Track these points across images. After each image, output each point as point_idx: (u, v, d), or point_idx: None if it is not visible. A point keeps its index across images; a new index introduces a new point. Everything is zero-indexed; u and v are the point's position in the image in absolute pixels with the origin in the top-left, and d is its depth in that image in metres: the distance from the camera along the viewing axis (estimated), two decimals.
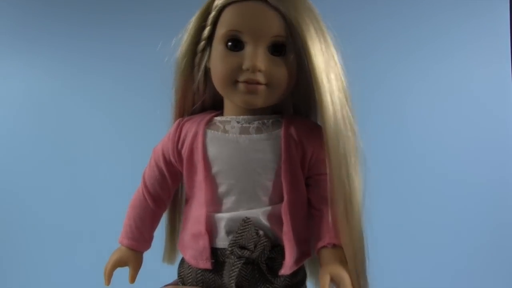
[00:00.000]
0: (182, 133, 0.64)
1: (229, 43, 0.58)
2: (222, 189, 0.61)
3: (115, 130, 1.50)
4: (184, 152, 0.63)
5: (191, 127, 0.63)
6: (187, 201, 0.66)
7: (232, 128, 0.62)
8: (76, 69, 1.56)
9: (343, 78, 0.60)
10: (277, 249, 0.59)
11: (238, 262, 0.58)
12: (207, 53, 0.62)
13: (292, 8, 0.57)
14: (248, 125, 0.61)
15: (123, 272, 0.67)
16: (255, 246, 0.58)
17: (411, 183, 1.46)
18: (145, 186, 0.67)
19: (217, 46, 0.60)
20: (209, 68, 0.62)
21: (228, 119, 0.63)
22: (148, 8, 1.53)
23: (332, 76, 0.58)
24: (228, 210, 0.60)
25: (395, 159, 1.46)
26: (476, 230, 1.46)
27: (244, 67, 0.57)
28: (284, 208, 0.59)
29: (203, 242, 0.60)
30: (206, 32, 0.61)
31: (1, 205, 1.54)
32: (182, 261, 0.65)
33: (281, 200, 0.60)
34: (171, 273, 0.68)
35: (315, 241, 0.61)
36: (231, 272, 0.58)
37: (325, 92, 0.57)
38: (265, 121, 0.62)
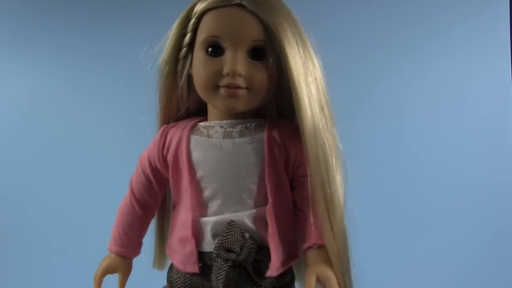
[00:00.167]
0: (167, 139, 0.65)
1: (209, 49, 0.59)
2: (207, 193, 0.61)
3: (113, 130, 1.51)
4: (169, 158, 0.64)
5: (176, 133, 0.64)
6: (174, 206, 0.66)
7: (215, 132, 0.62)
8: (75, 69, 1.57)
9: (322, 81, 0.61)
10: (263, 251, 0.60)
11: (224, 265, 0.59)
12: (189, 59, 0.63)
13: (270, 13, 0.58)
14: (231, 129, 0.62)
15: (114, 279, 0.68)
16: (241, 249, 0.59)
17: (409, 183, 1.46)
18: (132, 193, 0.68)
19: (198, 52, 0.61)
20: (192, 74, 0.63)
21: (212, 124, 0.63)
22: (149, 7, 1.54)
23: (310, 78, 0.59)
24: (213, 214, 0.61)
25: (393, 159, 1.47)
26: (474, 229, 1.46)
27: (224, 72, 0.58)
28: (268, 210, 0.60)
29: (190, 246, 0.61)
30: (187, 39, 0.62)
31: (1, 205, 1.54)
32: (171, 266, 0.66)
33: (266, 202, 0.61)
34: (160, 279, 0.68)
35: (301, 242, 0.62)
36: (218, 275, 0.59)
37: (302, 95, 0.58)
38: (248, 125, 0.62)
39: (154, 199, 0.68)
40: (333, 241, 0.58)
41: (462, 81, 1.48)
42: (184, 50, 0.62)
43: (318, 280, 0.58)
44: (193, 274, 0.61)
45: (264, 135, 0.61)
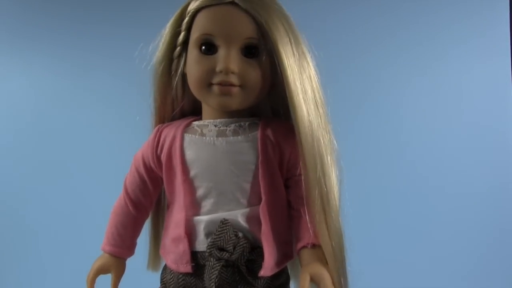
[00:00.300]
0: (161, 139, 0.65)
1: (203, 47, 0.59)
2: (200, 192, 0.61)
3: (108, 130, 1.50)
4: (163, 157, 0.64)
5: (170, 132, 0.64)
6: (168, 206, 0.66)
7: (209, 131, 0.62)
8: (73, 68, 1.57)
9: (316, 79, 0.61)
10: (257, 251, 0.60)
11: (217, 264, 0.58)
12: (183, 58, 0.63)
13: (263, 11, 0.58)
14: (225, 128, 0.62)
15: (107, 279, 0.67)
16: (234, 248, 0.58)
17: (407, 182, 1.45)
18: (127, 192, 0.67)
19: (192, 51, 0.61)
20: (186, 74, 0.63)
21: (206, 123, 0.63)
22: (150, 5, 1.52)
23: (304, 76, 0.59)
24: (207, 213, 0.61)
25: (391, 159, 1.46)
26: (473, 230, 1.45)
27: (217, 69, 0.58)
28: (262, 209, 0.60)
29: (183, 245, 0.60)
30: (181, 37, 0.62)
31: (1, 204, 1.54)
32: (165, 267, 0.65)
33: (260, 201, 0.60)
34: (154, 280, 0.68)
35: (295, 242, 0.61)
36: (211, 274, 0.58)
37: (296, 93, 0.58)
38: (242, 123, 0.62)
39: (148, 199, 0.68)
40: (328, 240, 0.57)
41: (461, 81, 1.48)
42: (178, 49, 0.63)
43: (312, 279, 0.57)
44: (186, 274, 0.61)
45: (258, 133, 0.61)
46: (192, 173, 0.61)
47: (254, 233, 0.60)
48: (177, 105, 0.67)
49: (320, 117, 0.60)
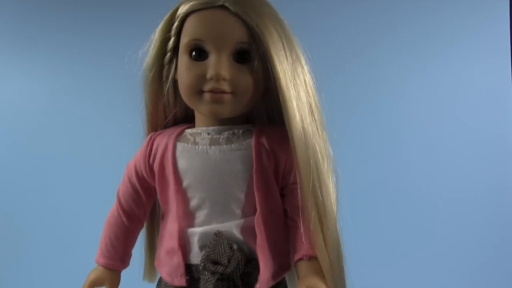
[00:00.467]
0: (153, 148, 0.63)
1: (193, 53, 0.57)
2: (194, 202, 0.59)
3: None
4: (156, 166, 0.62)
5: (162, 140, 0.62)
6: (163, 216, 0.64)
7: (202, 139, 0.60)
8: (74, 68, 1.55)
9: (310, 84, 0.59)
10: (252, 263, 0.58)
11: (212, 278, 0.56)
12: (174, 64, 0.61)
13: (254, 14, 0.56)
14: (218, 136, 0.60)
15: None
16: (228, 261, 0.56)
17: (407, 184, 1.42)
18: (120, 203, 0.66)
19: (182, 57, 0.59)
20: (177, 80, 0.61)
21: (199, 131, 0.61)
22: (152, 4, 1.51)
23: (298, 81, 0.57)
24: (200, 224, 0.59)
25: (390, 160, 1.43)
26: (473, 231, 1.42)
27: (208, 76, 0.56)
28: (257, 220, 0.58)
29: (177, 258, 0.59)
30: (171, 43, 0.60)
31: (1, 204, 1.53)
32: (160, 279, 0.64)
33: (255, 212, 0.58)
34: None
35: (293, 253, 0.59)
36: None
37: (290, 98, 0.55)
38: (236, 131, 0.60)
39: (142, 209, 0.66)
40: (325, 251, 0.55)
41: (461, 80, 1.45)
42: (168, 54, 0.61)
43: None
44: (181, 287, 0.59)
45: (252, 141, 0.59)
46: (185, 183, 0.59)
47: (249, 244, 0.58)
48: (170, 112, 0.65)
49: (315, 124, 0.57)
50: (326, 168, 0.57)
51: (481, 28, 1.45)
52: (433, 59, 1.45)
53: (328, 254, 0.55)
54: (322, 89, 0.61)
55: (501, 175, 1.43)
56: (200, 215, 0.59)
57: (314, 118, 0.57)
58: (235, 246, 0.57)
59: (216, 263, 0.56)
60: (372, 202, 1.37)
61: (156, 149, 0.62)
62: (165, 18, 0.61)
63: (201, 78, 0.57)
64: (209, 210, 0.58)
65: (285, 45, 0.57)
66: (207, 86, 0.56)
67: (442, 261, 1.41)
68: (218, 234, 0.57)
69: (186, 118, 0.65)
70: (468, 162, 1.43)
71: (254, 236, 0.57)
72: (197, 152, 0.60)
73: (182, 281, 0.58)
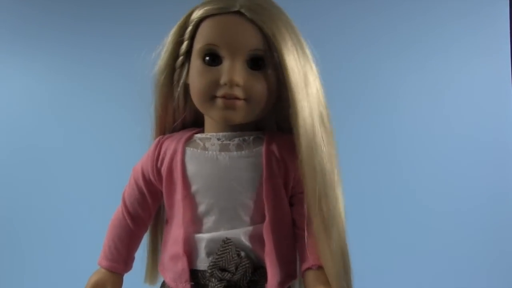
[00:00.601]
0: (161, 151, 0.62)
1: (207, 58, 0.57)
2: (201, 208, 0.59)
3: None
4: (163, 170, 0.61)
5: (171, 144, 0.62)
6: (167, 221, 0.64)
7: (212, 145, 0.60)
8: (75, 68, 1.53)
9: (321, 92, 0.59)
10: (259, 271, 0.57)
11: (219, 285, 0.56)
12: (186, 68, 0.60)
13: (269, 21, 0.55)
14: (228, 142, 0.60)
15: None
16: (236, 268, 0.56)
17: (406, 184, 1.42)
18: (125, 205, 0.65)
19: (195, 61, 0.58)
20: (189, 84, 0.60)
21: (209, 136, 0.61)
22: (154, 2, 1.50)
23: (310, 91, 0.57)
24: (208, 230, 0.58)
25: (390, 159, 1.43)
26: (473, 229, 1.42)
27: (221, 81, 0.56)
28: (266, 229, 0.57)
29: (182, 263, 0.58)
30: (184, 47, 0.59)
31: (1, 205, 1.51)
32: (163, 283, 0.63)
33: (263, 219, 0.58)
34: None
35: (300, 262, 0.59)
36: None
37: (302, 107, 0.55)
38: (246, 137, 0.60)
39: (147, 212, 0.65)
40: (331, 261, 0.55)
41: (461, 79, 1.45)
42: (180, 58, 0.60)
43: None
44: None
45: (263, 148, 0.59)
46: (194, 188, 0.59)
47: (257, 252, 0.57)
48: (179, 116, 0.65)
49: (325, 134, 0.57)
50: (333, 179, 0.56)
51: (481, 27, 1.45)
52: (433, 58, 1.45)
53: (334, 264, 0.55)
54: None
55: (501, 174, 1.43)
56: (208, 221, 0.58)
57: (324, 128, 0.57)
58: (242, 254, 0.57)
59: (223, 270, 0.56)
60: (372, 203, 1.36)
61: (165, 153, 0.62)
62: (178, 22, 0.60)
63: (214, 84, 0.56)
64: (217, 217, 0.58)
65: (299, 54, 0.57)
66: (220, 92, 0.56)
67: (445, 263, 1.41)
68: (226, 242, 0.57)
69: (195, 123, 0.65)
70: (467, 162, 1.43)
71: (262, 244, 0.57)
72: (207, 157, 0.59)
73: (187, 287, 0.58)
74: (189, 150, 0.60)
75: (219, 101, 0.56)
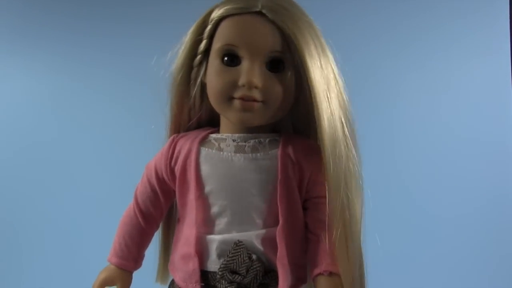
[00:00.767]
0: (175, 150, 0.62)
1: (225, 58, 0.56)
2: (214, 209, 0.58)
3: (121, 135, 1.45)
4: (177, 169, 0.61)
5: (185, 144, 0.61)
6: (179, 220, 0.63)
7: (227, 146, 0.59)
8: (76, 67, 1.53)
9: (344, 96, 0.58)
10: (270, 274, 0.57)
11: (229, 287, 0.55)
12: (204, 67, 0.60)
13: (291, 23, 0.55)
14: (244, 143, 0.59)
15: None
16: (247, 271, 0.56)
17: (407, 184, 1.41)
18: (137, 203, 0.65)
19: (213, 61, 0.58)
20: (205, 83, 0.60)
21: (224, 136, 0.60)
22: (154, 2, 1.50)
23: (332, 94, 0.56)
24: (220, 232, 0.58)
25: (390, 160, 1.42)
26: (473, 230, 1.41)
27: (240, 83, 0.55)
28: (279, 232, 0.57)
29: (193, 264, 0.58)
30: (202, 45, 0.59)
31: (1, 205, 1.52)
32: (172, 282, 0.63)
33: (276, 223, 0.57)
34: None
35: (311, 267, 0.58)
36: None
37: (324, 111, 0.54)
38: (262, 139, 0.59)
39: (159, 211, 0.65)
40: (348, 268, 0.54)
41: (460, 79, 1.44)
42: (198, 57, 0.60)
43: None
44: None
45: (278, 151, 0.58)
46: (207, 189, 0.59)
47: (268, 256, 0.57)
48: (194, 114, 0.64)
49: (347, 138, 0.56)
50: (355, 184, 0.56)
51: (481, 26, 1.44)
52: (432, 58, 1.44)
53: (351, 271, 0.54)
54: None
55: (501, 173, 1.42)
56: (220, 223, 0.58)
57: (347, 132, 0.56)
58: (254, 257, 0.56)
59: (234, 272, 0.56)
60: (370, 203, 1.35)
61: (179, 151, 0.61)
62: (197, 20, 0.60)
63: (232, 84, 0.56)
64: (230, 218, 0.58)
65: (321, 56, 0.56)
66: (238, 93, 0.56)
67: (445, 266, 1.40)
68: (238, 244, 0.56)
69: (211, 122, 0.65)
70: (467, 161, 1.42)
71: (274, 247, 0.57)
72: (222, 158, 0.59)
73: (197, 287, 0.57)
74: (203, 150, 0.60)
75: (237, 103, 0.56)
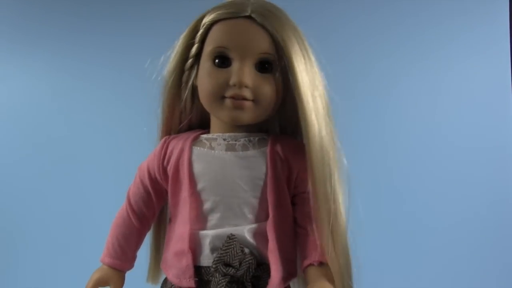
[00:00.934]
0: (168, 150, 0.64)
1: (217, 60, 0.59)
2: (207, 206, 0.60)
3: (114, 138, 1.47)
4: (170, 169, 0.63)
5: (177, 144, 0.64)
6: (170, 220, 0.65)
7: (218, 145, 0.62)
8: (76, 66, 1.53)
9: (326, 97, 0.61)
10: (262, 267, 0.59)
11: (223, 280, 0.57)
12: (195, 71, 0.63)
13: (279, 27, 0.58)
14: (234, 142, 0.62)
15: None
16: (240, 264, 0.57)
17: (408, 185, 1.43)
18: (129, 203, 0.66)
19: (205, 63, 0.60)
20: (196, 86, 0.63)
21: (215, 136, 0.63)
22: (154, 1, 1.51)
23: (317, 94, 0.59)
24: (213, 227, 0.60)
25: (393, 161, 1.44)
26: (473, 230, 1.42)
27: (231, 82, 0.58)
28: (269, 226, 0.59)
29: (186, 260, 0.59)
30: (194, 49, 0.62)
31: (2, 204, 1.50)
32: (165, 280, 0.64)
33: (267, 217, 0.60)
34: None
35: (301, 259, 0.61)
36: None
37: (309, 110, 0.58)
38: (252, 138, 0.62)
39: (151, 211, 0.67)
40: (335, 257, 0.57)
41: (460, 78, 1.46)
42: (190, 60, 0.62)
43: None
44: None
45: (267, 149, 0.61)
46: (200, 186, 0.61)
47: (260, 249, 0.59)
48: (185, 117, 0.67)
49: (331, 135, 0.60)
50: (338, 178, 0.59)
51: (480, 24, 1.46)
52: (432, 56, 1.46)
53: (338, 260, 0.57)
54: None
55: (501, 173, 1.43)
56: (213, 218, 0.60)
57: (330, 130, 0.60)
58: (246, 250, 0.58)
59: (227, 265, 0.57)
60: (370, 204, 1.36)
61: (171, 152, 0.63)
62: (189, 26, 0.63)
63: (223, 84, 0.58)
64: (222, 214, 0.60)
65: (306, 59, 0.59)
66: (229, 92, 0.58)
67: (445, 264, 1.41)
68: (231, 237, 0.58)
69: (201, 125, 0.67)
70: (467, 161, 1.43)
71: (265, 241, 0.59)
72: (213, 156, 0.61)
73: (190, 283, 0.59)
74: (196, 149, 0.62)
75: (228, 102, 0.59)
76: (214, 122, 0.64)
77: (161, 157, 0.64)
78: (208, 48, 0.60)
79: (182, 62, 0.63)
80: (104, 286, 0.65)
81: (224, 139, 0.62)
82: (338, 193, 0.59)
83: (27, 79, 1.55)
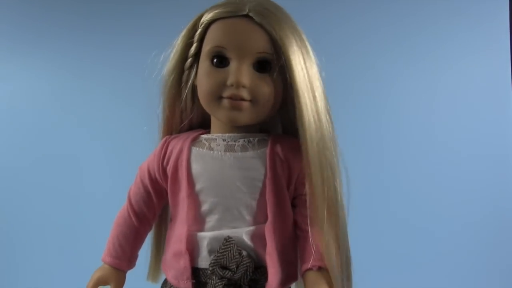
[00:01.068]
0: (168, 150, 0.64)
1: (215, 60, 0.59)
2: (205, 207, 0.60)
3: (114, 138, 1.47)
4: (169, 169, 0.62)
5: (177, 144, 0.63)
6: (171, 219, 0.65)
7: (217, 145, 0.61)
8: (76, 66, 1.53)
9: (325, 96, 0.60)
10: (260, 270, 0.58)
11: (219, 283, 0.57)
12: (194, 70, 0.62)
13: (277, 26, 0.57)
14: (233, 142, 0.61)
15: None
16: (237, 267, 0.57)
17: (408, 186, 1.42)
18: (130, 203, 0.66)
19: (203, 63, 0.60)
20: (196, 86, 0.62)
21: (214, 136, 0.62)
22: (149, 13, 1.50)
23: (316, 93, 0.58)
24: (211, 229, 0.59)
25: (392, 161, 1.43)
26: (473, 231, 1.41)
27: (228, 82, 0.57)
28: (268, 228, 0.58)
29: (184, 261, 0.59)
30: (193, 49, 0.61)
31: (2, 204, 1.52)
32: (165, 281, 0.64)
33: (266, 220, 0.59)
34: None
35: (300, 263, 0.60)
36: None
37: (307, 111, 0.57)
38: (251, 139, 0.61)
39: (152, 211, 0.67)
40: (334, 260, 0.56)
41: (460, 77, 1.44)
42: (189, 60, 0.62)
43: None
44: None
45: (267, 150, 0.60)
46: (198, 187, 0.60)
47: (258, 252, 0.58)
48: (186, 117, 0.66)
49: (329, 136, 0.58)
50: (337, 180, 0.58)
51: (480, 24, 1.44)
52: (432, 55, 1.44)
53: (338, 263, 0.56)
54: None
55: (500, 172, 1.42)
56: (211, 220, 0.59)
57: (328, 132, 0.58)
58: (244, 253, 0.57)
59: (224, 268, 0.57)
60: (369, 204, 1.33)
61: (171, 152, 0.63)
62: (188, 25, 0.62)
63: (221, 85, 0.58)
64: (220, 215, 0.59)
65: (305, 58, 0.58)
66: (227, 93, 0.58)
67: (445, 266, 1.40)
68: (228, 240, 0.57)
69: (202, 124, 0.66)
70: (467, 161, 1.42)
71: (263, 243, 0.58)
72: (212, 157, 0.60)
73: (188, 284, 0.58)
74: (194, 150, 0.62)
75: (226, 102, 0.58)
76: (214, 122, 0.64)
77: (161, 157, 0.64)
78: (206, 47, 0.59)
79: (181, 61, 0.62)
80: (105, 285, 0.66)
81: (224, 140, 0.61)
82: (338, 196, 0.57)
83: (28, 78, 1.56)
